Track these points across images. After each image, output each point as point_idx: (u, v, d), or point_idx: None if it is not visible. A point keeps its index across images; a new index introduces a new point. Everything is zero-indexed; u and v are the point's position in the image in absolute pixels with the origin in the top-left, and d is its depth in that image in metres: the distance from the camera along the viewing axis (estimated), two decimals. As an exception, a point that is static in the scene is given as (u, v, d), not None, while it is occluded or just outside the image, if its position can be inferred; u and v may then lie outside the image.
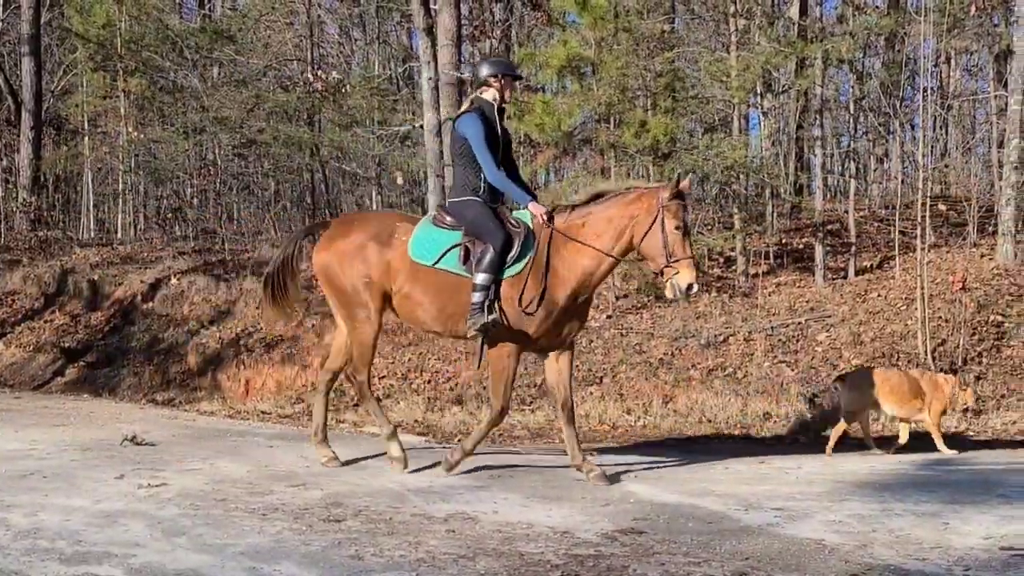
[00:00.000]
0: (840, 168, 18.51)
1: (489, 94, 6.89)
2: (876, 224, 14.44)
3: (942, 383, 7.81)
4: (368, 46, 21.40)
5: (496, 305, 6.46)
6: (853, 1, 14.48)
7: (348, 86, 17.10)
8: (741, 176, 13.33)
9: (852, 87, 16.32)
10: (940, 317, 10.42)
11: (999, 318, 10.31)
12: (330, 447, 7.07)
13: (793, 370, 9.96)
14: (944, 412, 7.80)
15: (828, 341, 10.38)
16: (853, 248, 12.60)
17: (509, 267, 6.53)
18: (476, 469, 6.77)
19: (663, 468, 6.79)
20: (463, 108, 7.01)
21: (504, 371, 6.65)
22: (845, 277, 12.34)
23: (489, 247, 6.47)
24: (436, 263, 6.63)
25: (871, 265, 12.53)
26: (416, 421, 9.48)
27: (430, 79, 13.61)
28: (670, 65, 12.64)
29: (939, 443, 7.60)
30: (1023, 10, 12.01)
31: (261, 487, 6.13)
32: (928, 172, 12.23)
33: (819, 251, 12.32)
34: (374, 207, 17.48)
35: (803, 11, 14.95)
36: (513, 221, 6.67)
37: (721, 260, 13.32)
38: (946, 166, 16.19)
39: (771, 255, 13.32)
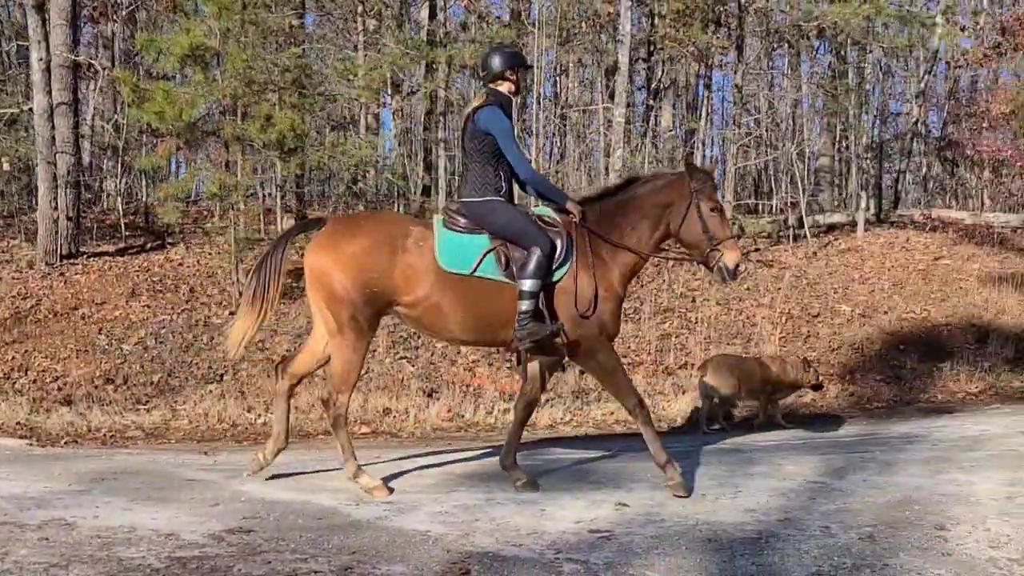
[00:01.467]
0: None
1: (505, 87, 6.36)
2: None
3: (790, 367, 8.68)
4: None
5: (546, 312, 6.01)
6: (476, 10, 15.08)
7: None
8: (368, 175, 13.49)
9: (475, 92, 16.92)
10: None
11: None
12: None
13: (413, 366, 10.21)
14: (787, 392, 8.77)
15: (448, 337, 10.72)
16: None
17: (556, 269, 6.08)
18: (80, 473, 6.40)
19: (278, 466, 6.72)
20: (478, 102, 6.32)
21: (612, 368, 6.18)
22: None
23: (535, 251, 5.95)
24: (474, 271, 6.02)
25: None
26: (18, 423, 8.79)
27: (41, 60, 12.70)
28: (298, 60, 12.55)
29: (763, 415, 8.65)
30: (627, 29, 13.05)
31: None
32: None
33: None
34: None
35: (432, 16, 15.37)
36: (548, 219, 6.21)
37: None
38: (557, 172, 17.23)
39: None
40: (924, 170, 22.67)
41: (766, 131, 20.41)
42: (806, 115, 22.55)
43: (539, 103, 13.22)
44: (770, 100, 20.56)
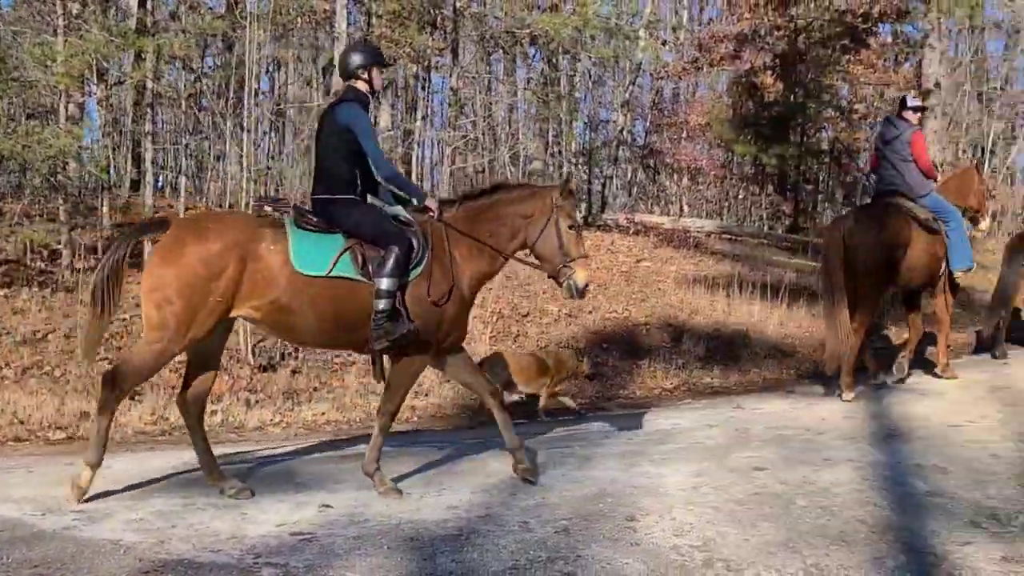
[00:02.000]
0: (176, 165, 18.59)
1: (362, 85, 6.25)
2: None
3: (565, 358, 9.25)
4: None
5: (405, 311, 5.91)
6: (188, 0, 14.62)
7: None
8: (69, 167, 12.78)
9: (185, 85, 16.45)
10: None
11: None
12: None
13: (115, 368, 9.75)
14: (565, 381, 9.25)
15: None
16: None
17: (412, 268, 5.98)
18: None
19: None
20: (338, 97, 6.26)
21: (414, 377, 6.31)
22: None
23: (393, 249, 5.84)
24: (330, 272, 5.80)
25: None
26: None
27: None
28: (-12, 43, 11.72)
29: (540, 409, 9.07)
30: (343, 27, 13.01)
31: None
32: (253, 174, 12.67)
33: (148, 248, 12.11)
34: None
35: (141, 3, 14.76)
36: (403, 219, 6.10)
37: (45, 253, 12.65)
38: (269, 168, 16.97)
39: (101, 249, 12.94)
40: (629, 176, 23.90)
41: (482, 134, 20.91)
42: (521, 120, 23.30)
43: (253, 98, 12.96)
44: (486, 104, 21.07)
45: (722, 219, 21.09)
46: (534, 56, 22.29)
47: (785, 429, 7.93)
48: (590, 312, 12.89)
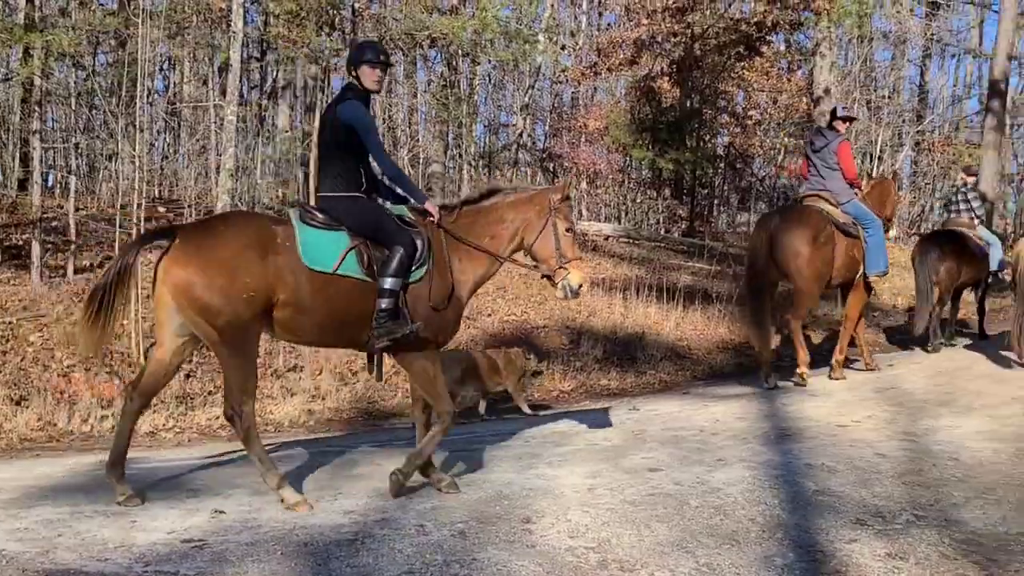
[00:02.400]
0: (67, 164, 18.09)
1: (365, 82, 6.29)
2: (102, 223, 14.33)
3: (514, 357, 9.31)
4: None
5: (407, 312, 6.02)
6: (78, -5, 14.25)
7: None
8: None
9: (76, 83, 16.05)
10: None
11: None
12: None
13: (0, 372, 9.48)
14: (521, 379, 9.38)
15: (41, 341, 10.06)
16: (73, 247, 12.42)
17: (416, 270, 6.10)
18: None
19: None
20: (340, 94, 6.36)
21: (434, 373, 6.24)
22: (64, 276, 12.09)
23: (398, 249, 5.99)
24: (336, 269, 5.89)
25: (91, 264, 12.45)
26: None
27: None
28: None
29: (523, 407, 9.33)
30: (239, 26, 12.82)
31: None
32: (146, 174, 12.42)
33: (36, 249, 11.88)
34: None
35: (31, -3, 14.33)
36: (407, 219, 6.23)
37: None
38: (162, 169, 16.67)
39: (-11, 249, 12.57)
40: (530, 180, 24.03)
41: (382, 137, 20.78)
42: (421, 122, 23.25)
43: (146, 97, 12.69)
44: (385, 106, 20.97)
45: (620, 222, 21.33)
46: (434, 59, 22.30)
47: (680, 430, 8.08)
48: (489, 315, 12.93)
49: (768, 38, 21.20)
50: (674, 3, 20.76)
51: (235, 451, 7.13)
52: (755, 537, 5.23)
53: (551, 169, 22.86)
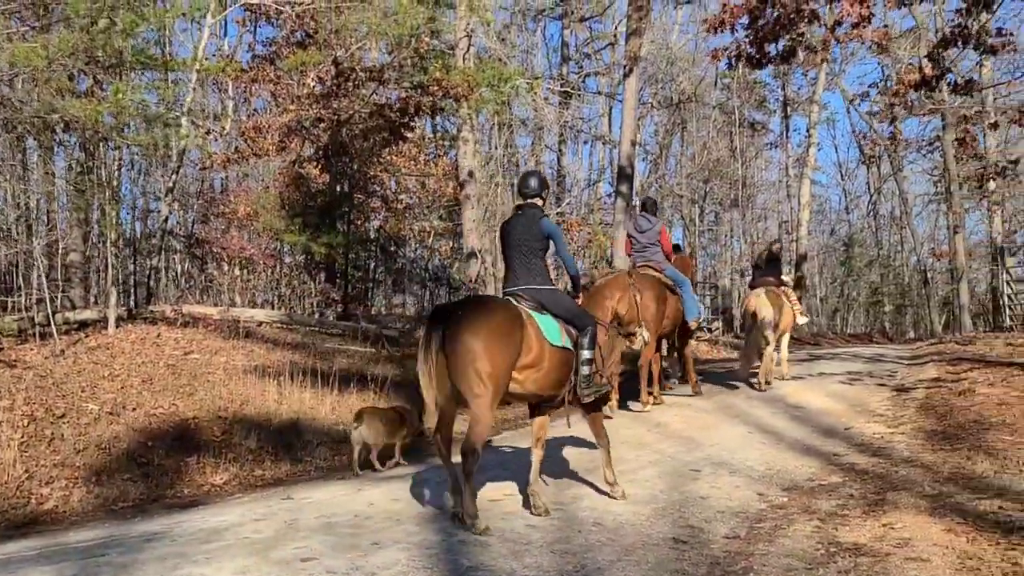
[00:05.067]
0: None
1: (540, 202, 8.39)
2: None
3: (413, 416, 10.79)
4: None
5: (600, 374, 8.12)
6: None
7: None
8: None
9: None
10: None
11: None
12: None
13: None
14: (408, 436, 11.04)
15: None
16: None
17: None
18: None
19: None
20: (532, 212, 8.25)
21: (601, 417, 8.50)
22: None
23: (590, 328, 7.95)
24: (563, 343, 7.76)
25: None
26: None
27: None
28: None
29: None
30: None
31: None
32: None
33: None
34: None
35: None
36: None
37: None
38: None
39: None
40: (178, 267, 23.28)
41: (14, 225, 19.50)
42: (60, 209, 21.98)
43: None
44: (17, 192, 19.70)
45: (273, 308, 21.06)
46: (73, 144, 21.21)
47: (334, 516, 7.99)
48: (134, 409, 12.27)
49: (412, 123, 21.84)
50: (319, 90, 21.00)
51: None
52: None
53: (200, 256, 22.26)
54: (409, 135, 22.22)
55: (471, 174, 23.04)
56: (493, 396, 7.21)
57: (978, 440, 10.10)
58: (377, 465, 10.70)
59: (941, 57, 16.16)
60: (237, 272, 21.46)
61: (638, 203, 16.19)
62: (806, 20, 13.67)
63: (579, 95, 38.37)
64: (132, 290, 19.35)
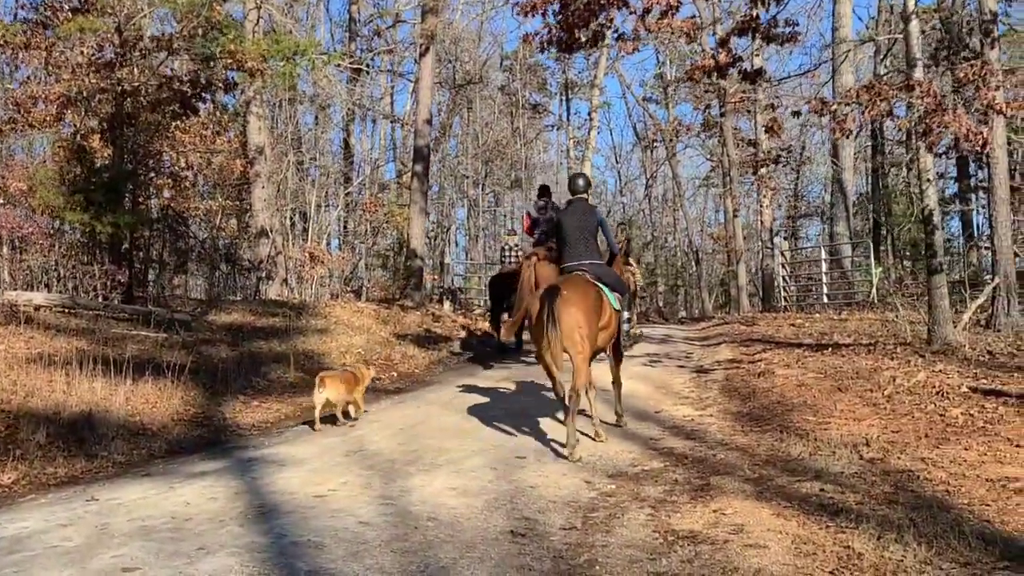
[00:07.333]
0: None
1: (587, 197, 10.84)
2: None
3: (365, 371, 12.10)
4: None
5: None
6: None
7: None
8: None
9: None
10: None
11: None
12: None
13: None
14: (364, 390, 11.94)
15: None
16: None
17: None
18: None
19: None
20: (583, 203, 10.68)
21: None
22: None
23: (627, 294, 10.92)
24: (619, 307, 10.23)
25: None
26: None
27: None
28: None
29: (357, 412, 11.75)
30: None
31: None
32: None
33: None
34: None
35: None
36: None
37: None
38: None
39: None
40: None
41: None
42: None
43: None
44: None
45: (50, 290, 19.68)
46: None
47: (149, 518, 7.44)
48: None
49: (204, 96, 20.91)
50: (99, 59, 19.78)
51: None
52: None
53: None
54: (202, 107, 21.25)
55: (261, 151, 22.30)
56: (590, 351, 9.41)
57: (784, 421, 10.51)
58: (342, 419, 11.52)
59: (731, 46, 16.83)
60: (7, 252, 19.94)
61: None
62: (616, 7, 13.82)
63: (367, 73, 37.87)
64: None
